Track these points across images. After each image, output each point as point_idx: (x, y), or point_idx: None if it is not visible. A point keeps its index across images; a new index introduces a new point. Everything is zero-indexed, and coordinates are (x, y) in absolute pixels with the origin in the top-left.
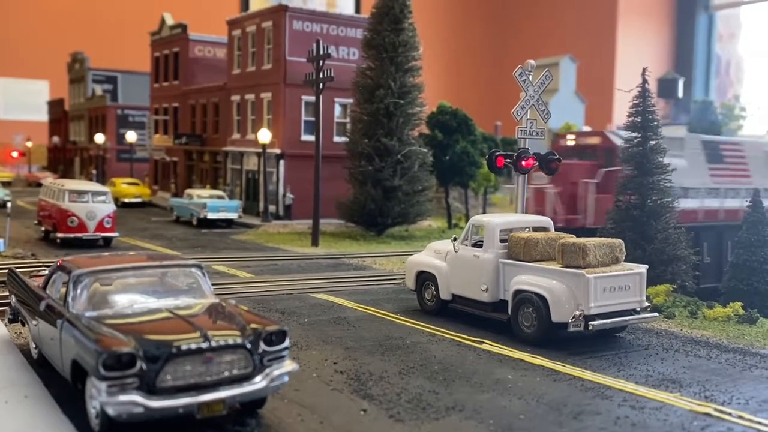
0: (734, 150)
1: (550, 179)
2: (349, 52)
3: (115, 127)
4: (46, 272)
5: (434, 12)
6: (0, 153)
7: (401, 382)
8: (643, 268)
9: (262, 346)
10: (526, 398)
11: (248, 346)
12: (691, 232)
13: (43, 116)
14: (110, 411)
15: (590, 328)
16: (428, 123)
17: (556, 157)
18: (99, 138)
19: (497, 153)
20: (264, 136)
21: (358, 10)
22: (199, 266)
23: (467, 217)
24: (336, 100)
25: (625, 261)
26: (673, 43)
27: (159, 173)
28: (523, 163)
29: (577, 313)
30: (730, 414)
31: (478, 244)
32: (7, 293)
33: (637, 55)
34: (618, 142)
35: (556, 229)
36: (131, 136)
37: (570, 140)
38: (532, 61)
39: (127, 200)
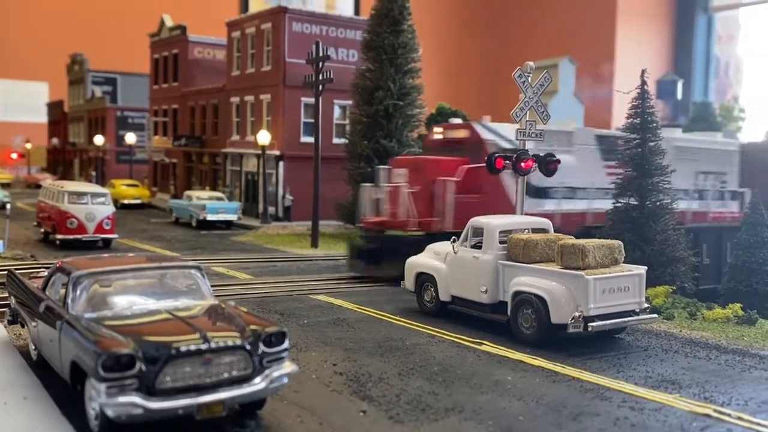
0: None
1: (409, 177)
2: (349, 53)
3: (114, 128)
4: (46, 274)
5: (433, 13)
6: None
7: (401, 383)
8: (642, 270)
9: (262, 348)
10: (526, 399)
11: (247, 347)
12: (690, 233)
13: (42, 118)
14: (109, 412)
15: (589, 329)
16: (427, 124)
17: (555, 158)
18: (98, 140)
19: (496, 154)
20: (263, 137)
21: (357, 11)
22: (198, 268)
23: None
24: (335, 101)
25: (625, 262)
26: (672, 45)
27: (158, 175)
28: (522, 164)
29: (577, 314)
30: (729, 415)
31: (478, 246)
32: (7, 295)
33: (636, 56)
34: (487, 135)
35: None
36: (130, 137)
37: (437, 134)
38: (531, 63)
39: (126, 202)
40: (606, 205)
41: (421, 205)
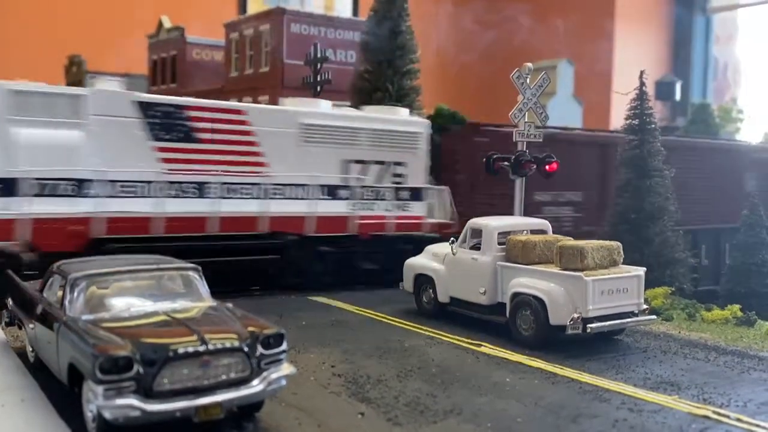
0: (225, 120)
1: None
2: (347, 54)
3: None
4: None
5: (431, 14)
6: None
7: (399, 385)
8: (641, 271)
9: (260, 350)
10: (525, 401)
11: (245, 349)
12: (689, 234)
13: None
14: (107, 415)
15: (588, 330)
16: None
17: (554, 159)
18: None
19: (495, 155)
20: None
21: (355, 12)
22: (196, 269)
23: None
24: (334, 103)
25: (623, 263)
26: (670, 46)
27: None
28: (525, 165)
29: (575, 315)
30: (728, 416)
31: (476, 247)
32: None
33: (635, 57)
34: None
35: None
36: None
37: None
38: (529, 64)
39: None
40: (145, 206)
41: None
